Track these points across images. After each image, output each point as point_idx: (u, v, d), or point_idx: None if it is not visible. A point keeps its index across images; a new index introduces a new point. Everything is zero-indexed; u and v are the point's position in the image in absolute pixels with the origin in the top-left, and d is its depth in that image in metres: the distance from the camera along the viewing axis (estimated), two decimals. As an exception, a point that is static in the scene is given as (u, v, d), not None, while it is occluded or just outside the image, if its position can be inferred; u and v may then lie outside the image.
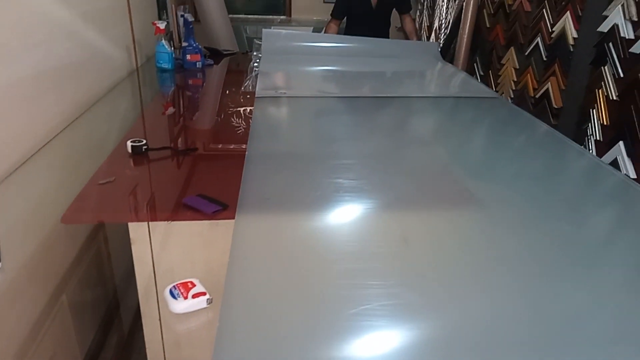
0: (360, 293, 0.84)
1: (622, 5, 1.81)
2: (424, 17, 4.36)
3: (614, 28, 1.85)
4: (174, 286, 0.83)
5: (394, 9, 3.36)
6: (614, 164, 1.82)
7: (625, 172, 1.77)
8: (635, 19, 1.75)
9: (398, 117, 1.92)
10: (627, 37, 1.79)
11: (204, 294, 0.81)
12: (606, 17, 1.90)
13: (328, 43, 2.97)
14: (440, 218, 1.14)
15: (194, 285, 0.82)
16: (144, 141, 1.42)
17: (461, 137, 1.74)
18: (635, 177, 1.74)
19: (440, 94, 2.22)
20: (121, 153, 1.44)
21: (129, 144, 1.41)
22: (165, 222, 1.13)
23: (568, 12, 2.16)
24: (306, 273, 0.91)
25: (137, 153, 1.40)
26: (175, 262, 1.24)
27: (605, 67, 1.90)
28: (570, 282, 0.91)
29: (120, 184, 1.28)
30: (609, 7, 1.88)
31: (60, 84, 1.63)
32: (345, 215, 1.14)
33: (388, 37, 3.42)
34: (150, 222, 1.17)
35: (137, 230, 1.19)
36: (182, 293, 0.80)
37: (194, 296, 0.80)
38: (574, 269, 0.95)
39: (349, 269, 0.92)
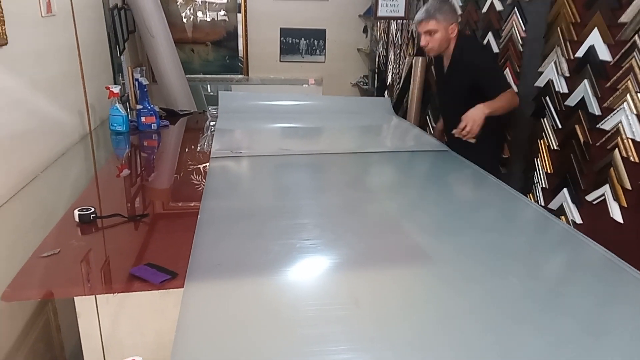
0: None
1: (555, 63, 1.93)
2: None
3: (549, 83, 1.97)
4: (115, 366, 0.79)
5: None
6: (561, 210, 1.90)
7: (571, 217, 1.84)
8: (567, 74, 1.88)
9: (352, 173, 1.95)
10: (561, 92, 1.91)
11: (147, 373, 0.78)
12: (541, 73, 2.03)
13: (284, 102, 3.04)
14: (390, 276, 1.15)
15: (137, 364, 0.79)
16: (92, 209, 1.39)
17: (413, 191, 1.78)
18: (581, 222, 1.81)
19: (393, 148, 2.28)
20: (68, 222, 1.40)
21: (76, 212, 1.37)
22: (112, 294, 1.09)
23: (507, 68, 2.29)
24: (258, 343, 0.89)
25: (85, 222, 1.37)
26: (125, 336, 1.19)
27: (545, 119, 2.01)
28: (516, 339, 0.92)
29: (65, 255, 1.23)
30: (543, 63, 2.02)
31: (3, 154, 1.60)
32: (298, 279, 1.13)
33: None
34: (97, 295, 1.13)
35: (84, 304, 1.14)
36: (123, 374, 0.77)
37: (136, 376, 0.76)
38: (520, 326, 0.96)
39: (302, 336, 0.91)
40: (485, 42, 2.49)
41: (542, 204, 2.03)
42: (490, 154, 2.24)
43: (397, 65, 3.98)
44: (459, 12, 2.79)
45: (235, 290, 1.07)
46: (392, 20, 3.96)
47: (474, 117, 1.96)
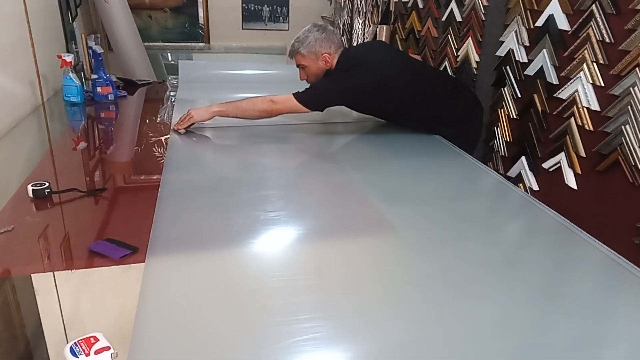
0: (276, 330, 0.83)
1: (515, 32, 1.95)
2: (344, 41, 4.50)
3: (510, 52, 2.00)
4: (75, 343, 0.77)
5: None
6: (519, 178, 1.95)
7: (529, 185, 1.89)
8: (527, 44, 1.90)
9: (316, 143, 1.95)
10: (521, 61, 1.93)
11: (107, 348, 0.76)
12: (502, 42, 2.05)
13: (247, 71, 2.98)
14: (355, 245, 1.16)
15: (97, 340, 0.77)
16: (47, 184, 1.34)
17: (376, 161, 1.79)
18: (538, 189, 1.86)
19: (357, 119, 2.28)
20: (22, 198, 1.34)
21: (29, 187, 1.32)
22: (70, 270, 1.07)
23: (470, 37, 2.31)
24: (222, 315, 0.89)
25: (40, 197, 1.32)
26: (87, 312, 1.17)
27: (505, 88, 2.04)
28: (480, 300, 0.96)
29: (20, 232, 1.19)
30: (504, 33, 2.03)
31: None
32: (262, 250, 1.13)
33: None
34: (55, 272, 1.10)
35: (42, 281, 1.11)
36: (83, 350, 0.75)
37: (96, 352, 0.75)
38: (483, 287, 1.00)
39: (267, 307, 0.91)
40: (448, 10, 2.48)
41: (502, 172, 2.08)
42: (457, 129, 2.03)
43: (363, 34, 3.94)
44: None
45: (198, 263, 1.06)
46: (356, -13, 3.90)
47: (193, 114, 1.90)
